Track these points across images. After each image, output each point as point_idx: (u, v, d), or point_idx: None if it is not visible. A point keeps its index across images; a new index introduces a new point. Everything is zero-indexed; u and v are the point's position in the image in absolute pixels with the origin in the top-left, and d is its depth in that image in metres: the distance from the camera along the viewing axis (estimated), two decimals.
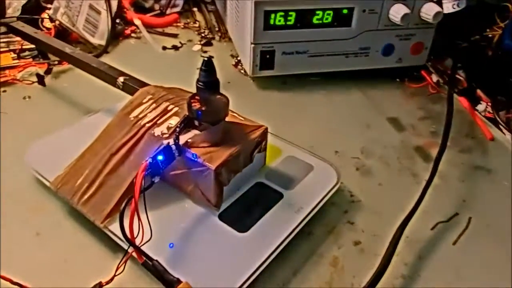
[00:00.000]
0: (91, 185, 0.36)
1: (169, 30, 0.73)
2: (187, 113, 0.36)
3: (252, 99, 0.57)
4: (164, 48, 0.68)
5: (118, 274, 0.30)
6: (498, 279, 0.36)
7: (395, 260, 0.35)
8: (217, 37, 0.71)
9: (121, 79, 0.43)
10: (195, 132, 0.36)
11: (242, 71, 0.61)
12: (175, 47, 0.68)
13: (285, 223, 0.36)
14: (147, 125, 0.38)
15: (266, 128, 0.39)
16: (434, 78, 0.61)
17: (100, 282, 0.30)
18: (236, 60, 0.64)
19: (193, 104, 0.36)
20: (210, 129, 0.36)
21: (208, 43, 0.69)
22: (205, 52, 0.67)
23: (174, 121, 0.37)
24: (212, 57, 0.63)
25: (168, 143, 0.34)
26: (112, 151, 0.37)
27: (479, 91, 0.58)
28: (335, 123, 0.54)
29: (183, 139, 0.35)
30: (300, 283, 0.34)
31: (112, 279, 0.30)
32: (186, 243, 0.34)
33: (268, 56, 0.56)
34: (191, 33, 0.73)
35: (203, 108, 0.35)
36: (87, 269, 0.33)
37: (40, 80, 0.55)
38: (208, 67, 0.34)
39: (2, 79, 0.55)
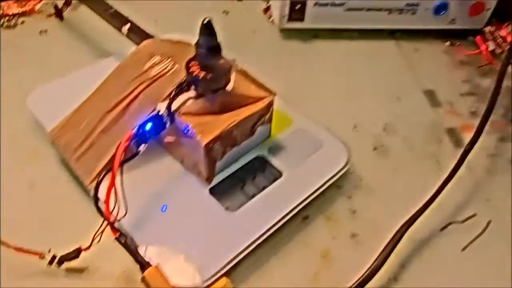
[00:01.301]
0: (84, 142, 0.35)
1: None
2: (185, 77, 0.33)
3: (276, 53, 0.52)
4: None
5: (95, 243, 0.30)
6: None
7: (392, 260, 0.33)
8: None
9: (125, 28, 0.40)
10: (191, 95, 0.33)
11: (271, 19, 0.56)
12: None
13: (279, 206, 0.34)
14: (145, 83, 0.35)
15: (272, 100, 0.35)
16: (491, 46, 0.53)
17: (80, 248, 0.30)
18: (267, 5, 0.58)
19: (191, 68, 0.32)
20: (208, 96, 0.33)
21: None
22: None
23: (172, 82, 0.34)
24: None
25: (159, 111, 0.32)
26: (107, 108, 0.35)
27: None
28: (362, 89, 0.48)
29: (177, 103, 0.33)
30: (283, 270, 0.33)
31: (89, 247, 0.30)
32: (171, 214, 0.33)
33: (298, 6, 0.50)
34: None
35: (201, 75, 0.32)
36: (72, 227, 0.33)
37: (58, 13, 0.53)
38: (208, 29, 0.30)
39: (22, 9, 0.53)
